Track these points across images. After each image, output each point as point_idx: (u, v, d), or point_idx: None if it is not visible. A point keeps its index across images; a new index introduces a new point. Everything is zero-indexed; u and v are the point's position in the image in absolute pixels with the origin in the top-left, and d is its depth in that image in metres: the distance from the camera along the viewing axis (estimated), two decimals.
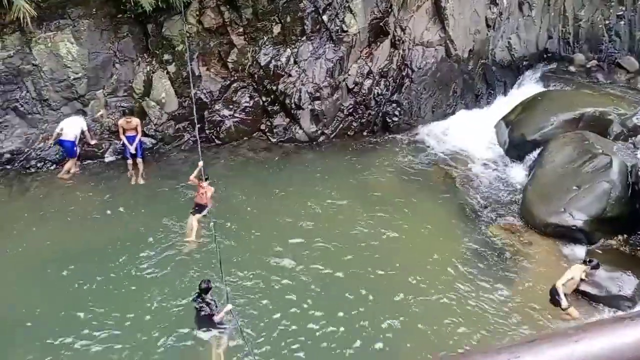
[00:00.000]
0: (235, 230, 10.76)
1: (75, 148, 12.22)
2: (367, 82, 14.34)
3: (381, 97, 14.45)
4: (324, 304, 9.33)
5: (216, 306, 8.43)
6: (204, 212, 10.67)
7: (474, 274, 10.07)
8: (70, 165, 12.28)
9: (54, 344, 8.39)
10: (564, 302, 9.00)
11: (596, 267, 9.21)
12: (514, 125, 13.83)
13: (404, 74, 14.55)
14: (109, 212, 11.23)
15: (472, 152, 13.72)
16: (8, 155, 12.48)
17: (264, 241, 10.55)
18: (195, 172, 10.57)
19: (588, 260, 9.39)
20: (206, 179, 10.62)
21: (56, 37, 12.70)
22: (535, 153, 12.97)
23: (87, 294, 9.28)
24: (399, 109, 14.50)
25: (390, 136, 14.33)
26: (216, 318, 8.38)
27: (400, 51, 14.50)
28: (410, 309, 9.30)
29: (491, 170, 13.15)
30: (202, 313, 8.42)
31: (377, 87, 14.42)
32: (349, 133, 14.32)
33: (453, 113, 15.09)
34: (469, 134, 14.07)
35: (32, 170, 12.44)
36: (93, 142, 12.72)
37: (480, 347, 8.47)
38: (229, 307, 8.42)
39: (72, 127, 12.20)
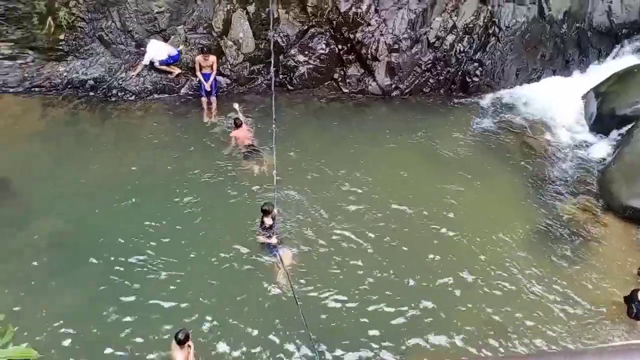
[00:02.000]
0: (296, 177, 10.80)
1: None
2: (450, 38, 13.67)
3: (463, 54, 13.77)
4: (374, 261, 9.27)
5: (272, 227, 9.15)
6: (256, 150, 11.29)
7: (539, 255, 9.54)
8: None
9: (120, 260, 9.04)
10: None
11: None
12: (604, 97, 12.87)
13: (490, 31, 13.75)
14: (179, 146, 11.56)
15: (555, 122, 12.90)
16: (92, 82, 12.98)
17: (322, 191, 10.56)
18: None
19: None
20: (238, 124, 11.40)
21: None
22: (623, 129, 12.08)
23: (150, 220, 9.72)
24: (480, 68, 13.80)
25: (468, 97, 13.71)
26: (273, 240, 9.17)
27: (489, 7, 13.67)
28: (465, 288, 8.88)
29: (573, 144, 12.35)
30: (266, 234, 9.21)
31: (459, 44, 13.73)
32: (424, 90, 13.83)
33: (539, 79, 14.20)
34: (554, 102, 13.21)
35: (113, 99, 12.90)
36: (177, 72, 13.10)
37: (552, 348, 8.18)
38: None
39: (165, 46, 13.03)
